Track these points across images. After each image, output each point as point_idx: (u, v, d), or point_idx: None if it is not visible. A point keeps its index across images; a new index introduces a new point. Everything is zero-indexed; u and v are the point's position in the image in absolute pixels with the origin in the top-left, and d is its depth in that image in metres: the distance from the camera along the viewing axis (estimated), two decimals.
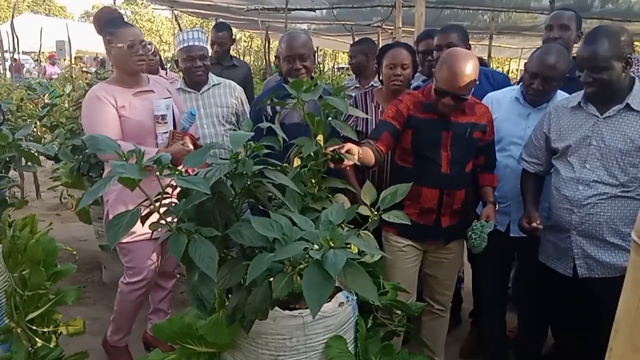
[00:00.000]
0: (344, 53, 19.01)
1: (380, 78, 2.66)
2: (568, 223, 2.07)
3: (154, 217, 1.44)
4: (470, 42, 3.37)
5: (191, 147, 2.44)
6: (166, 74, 4.06)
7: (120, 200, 2.40)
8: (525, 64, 2.34)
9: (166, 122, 2.45)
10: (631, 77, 1.98)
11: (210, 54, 4.39)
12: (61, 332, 2.28)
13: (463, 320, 3.24)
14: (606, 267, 2.02)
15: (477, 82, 2.13)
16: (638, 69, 2.85)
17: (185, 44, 2.84)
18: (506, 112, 2.40)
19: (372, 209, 1.68)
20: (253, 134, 1.60)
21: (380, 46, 3.18)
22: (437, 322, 2.49)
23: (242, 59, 7.54)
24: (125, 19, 2.63)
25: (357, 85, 3.58)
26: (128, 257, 2.54)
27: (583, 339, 2.19)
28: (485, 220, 2.18)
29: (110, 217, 2.40)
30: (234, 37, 4.37)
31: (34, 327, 2.17)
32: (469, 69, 2.04)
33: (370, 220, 1.67)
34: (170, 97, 2.54)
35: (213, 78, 3.02)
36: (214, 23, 6.42)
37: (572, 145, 2.05)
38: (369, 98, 2.67)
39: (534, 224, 2.12)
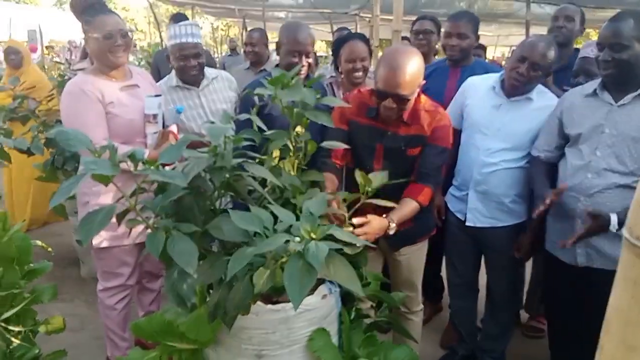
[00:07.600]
0: (322, 41, 18.87)
1: (340, 70, 2.66)
2: (573, 211, 2.01)
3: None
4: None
5: None
6: None
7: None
8: (514, 49, 2.26)
9: (157, 122, 2.28)
10: None
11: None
12: (38, 331, 2.23)
13: (444, 308, 3.25)
14: (606, 258, 1.97)
15: (424, 82, 1.92)
16: None
17: (177, 40, 2.52)
18: (480, 100, 2.34)
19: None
20: (232, 126, 1.57)
21: (335, 38, 3.11)
22: (407, 324, 2.35)
23: (219, 48, 7.41)
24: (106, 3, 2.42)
25: (333, 74, 3.54)
26: (102, 262, 2.43)
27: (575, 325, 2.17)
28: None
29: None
30: None
31: (9, 327, 2.11)
32: (411, 67, 1.80)
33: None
34: (161, 95, 2.36)
35: (209, 71, 2.73)
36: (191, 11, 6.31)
37: (584, 133, 1.99)
38: (335, 88, 2.67)
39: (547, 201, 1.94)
